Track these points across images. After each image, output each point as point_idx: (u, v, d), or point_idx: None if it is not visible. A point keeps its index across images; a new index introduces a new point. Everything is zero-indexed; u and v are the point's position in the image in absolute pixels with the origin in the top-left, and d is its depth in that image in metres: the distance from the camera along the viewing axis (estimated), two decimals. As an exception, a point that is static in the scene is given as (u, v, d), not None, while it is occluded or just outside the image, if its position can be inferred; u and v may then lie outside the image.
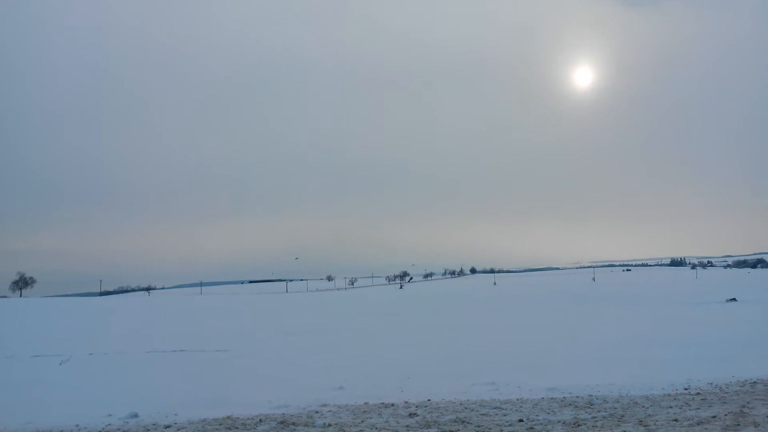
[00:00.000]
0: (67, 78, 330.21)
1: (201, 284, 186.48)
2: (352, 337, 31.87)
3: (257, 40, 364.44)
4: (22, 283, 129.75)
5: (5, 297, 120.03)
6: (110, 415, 11.53)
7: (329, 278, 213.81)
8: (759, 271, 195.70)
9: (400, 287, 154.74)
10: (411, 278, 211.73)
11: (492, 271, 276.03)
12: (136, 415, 11.43)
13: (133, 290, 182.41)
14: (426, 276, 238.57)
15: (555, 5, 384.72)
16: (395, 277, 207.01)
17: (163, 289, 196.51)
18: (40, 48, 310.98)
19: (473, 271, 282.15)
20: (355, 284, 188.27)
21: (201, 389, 15.05)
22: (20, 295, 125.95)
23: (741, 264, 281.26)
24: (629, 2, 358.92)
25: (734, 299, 54.88)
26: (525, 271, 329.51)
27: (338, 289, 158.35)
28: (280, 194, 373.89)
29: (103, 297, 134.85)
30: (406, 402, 12.44)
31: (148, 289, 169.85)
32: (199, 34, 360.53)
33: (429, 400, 12.66)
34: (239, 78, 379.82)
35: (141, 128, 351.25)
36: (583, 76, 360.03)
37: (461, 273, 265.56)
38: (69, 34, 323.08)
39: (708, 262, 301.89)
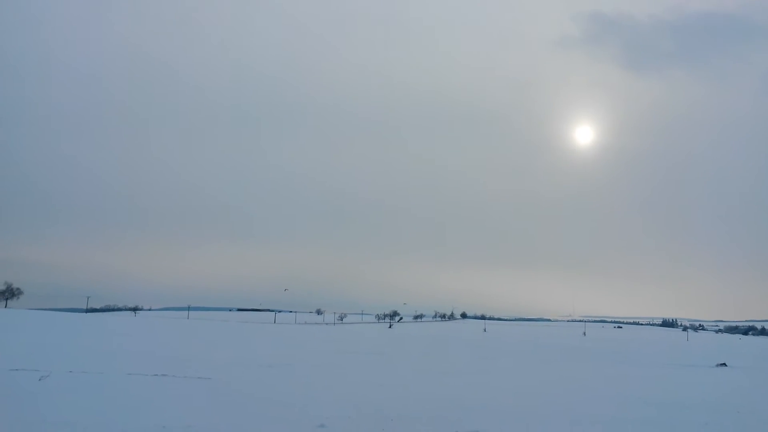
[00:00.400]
0: (62, 94, 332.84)
1: (189, 308, 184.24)
2: (338, 374, 31.45)
3: (261, 69, 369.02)
4: (8, 294, 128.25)
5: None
6: (85, 436, 11.32)
7: (319, 312, 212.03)
8: (750, 338, 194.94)
9: (390, 326, 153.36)
10: (401, 318, 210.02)
11: (483, 318, 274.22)
12: (111, 438, 11.23)
13: (119, 309, 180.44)
14: (416, 317, 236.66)
15: (555, 64, 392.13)
16: (385, 315, 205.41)
17: (150, 310, 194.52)
18: (35, 57, 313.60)
19: (464, 315, 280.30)
20: (345, 320, 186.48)
21: (179, 416, 14.79)
22: (5, 306, 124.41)
23: (732, 330, 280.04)
24: (631, 66, 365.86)
25: (724, 364, 54.52)
26: (516, 320, 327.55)
27: (327, 324, 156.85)
28: (274, 224, 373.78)
29: (88, 314, 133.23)
30: (387, 445, 12.24)
31: (134, 309, 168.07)
32: (199, 57, 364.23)
33: (410, 444, 12.45)
34: (239, 106, 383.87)
35: (137, 147, 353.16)
36: (583, 134, 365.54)
37: (452, 317, 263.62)
38: (66, 48, 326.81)
39: (699, 325, 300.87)
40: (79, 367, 25.10)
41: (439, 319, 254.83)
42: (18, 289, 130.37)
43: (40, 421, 12.95)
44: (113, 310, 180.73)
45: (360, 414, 16.74)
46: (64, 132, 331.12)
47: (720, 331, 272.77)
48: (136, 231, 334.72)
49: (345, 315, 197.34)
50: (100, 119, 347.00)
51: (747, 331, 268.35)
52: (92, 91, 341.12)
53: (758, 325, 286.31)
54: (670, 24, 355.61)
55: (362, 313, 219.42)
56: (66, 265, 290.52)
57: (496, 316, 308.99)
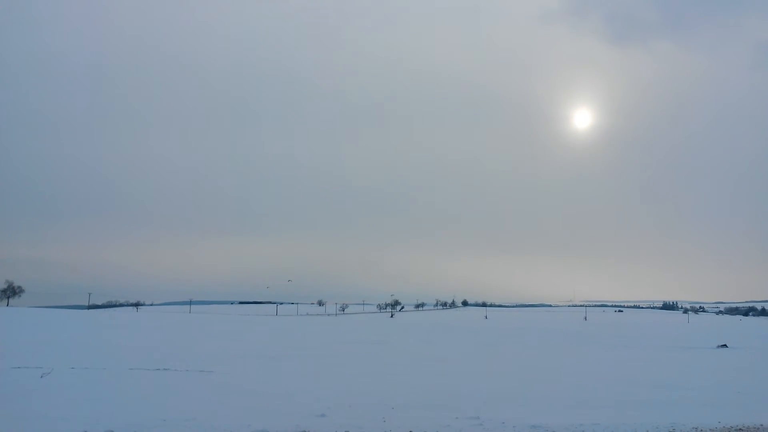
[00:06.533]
0: (60, 90, 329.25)
1: (190, 302, 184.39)
2: (339, 364, 31.54)
3: (258, 57, 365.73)
4: (10, 292, 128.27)
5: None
6: (85, 431, 11.34)
7: (320, 303, 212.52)
8: (751, 319, 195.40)
9: (391, 316, 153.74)
10: (402, 307, 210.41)
11: (484, 305, 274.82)
12: (112, 433, 11.26)
13: (121, 305, 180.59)
14: (417, 306, 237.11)
15: (540, 40, 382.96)
16: (386, 305, 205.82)
17: (152, 305, 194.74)
18: (33, 53, 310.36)
19: (465, 303, 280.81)
20: (346, 310, 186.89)
21: (181, 409, 14.82)
22: (7, 305, 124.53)
23: (733, 311, 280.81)
24: (615, 39, 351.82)
25: (725, 345, 54.75)
26: (517, 306, 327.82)
27: (329, 315, 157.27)
28: (273, 216, 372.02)
29: (90, 310, 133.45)
30: (388, 433, 12.28)
31: (136, 304, 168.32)
32: (198, 45, 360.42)
33: (411, 432, 12.49)
34: (238, 96, 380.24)
35: (135, 141, 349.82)
36: (579, 116, 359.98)
37: (453, 305, 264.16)
38: (64, 39, 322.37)
39: (700, 307, 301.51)
40: (81, 364, 25.13)
41: (441, 307, 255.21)
42: (19, 287, 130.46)
43: (41, 417, 12.98)
44: (115, 306, 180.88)
45: (361, 403, 16.79)
46: (62, 128, 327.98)
47: (720, 312, 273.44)
48: (136, 226, 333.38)
49: (346, 305, 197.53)
50: (97, 115, 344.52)
51: (747, 312, 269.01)
52: (87, 85, 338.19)
53: (758, 306, 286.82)
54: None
55: (364, 303, 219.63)
56: (67, 262, 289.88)
57: (497, 303, 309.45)
